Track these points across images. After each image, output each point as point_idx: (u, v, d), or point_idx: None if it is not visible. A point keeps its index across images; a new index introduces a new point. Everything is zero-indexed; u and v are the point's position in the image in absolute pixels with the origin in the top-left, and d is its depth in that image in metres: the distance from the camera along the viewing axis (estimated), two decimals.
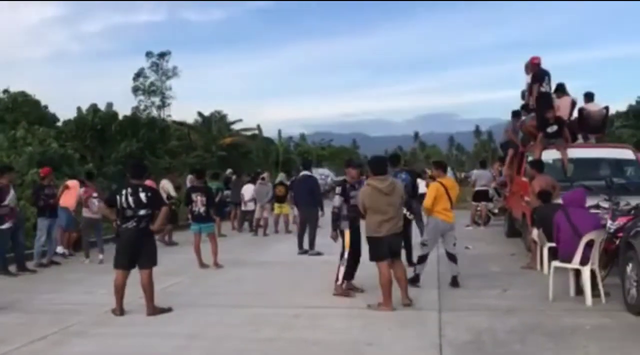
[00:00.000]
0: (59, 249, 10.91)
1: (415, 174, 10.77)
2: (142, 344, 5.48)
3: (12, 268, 9.46)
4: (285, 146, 45.32)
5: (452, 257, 7.77)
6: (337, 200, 7.38)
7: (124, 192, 6.47)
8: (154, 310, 6.51)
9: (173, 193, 13.65)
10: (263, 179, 15.26)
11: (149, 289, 6.53)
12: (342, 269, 7.18)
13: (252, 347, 5.24)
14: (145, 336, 5.75)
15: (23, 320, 6.43)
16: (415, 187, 9.38)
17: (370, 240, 6.58)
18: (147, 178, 6.97)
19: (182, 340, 5.51)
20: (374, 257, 6.55)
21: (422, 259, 7.82)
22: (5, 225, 9.20)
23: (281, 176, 15.46)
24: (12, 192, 9.47)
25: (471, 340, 5.28)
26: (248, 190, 15.14)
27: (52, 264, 10.27)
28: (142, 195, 6.43)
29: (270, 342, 5.41)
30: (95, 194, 10.65)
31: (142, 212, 6.43)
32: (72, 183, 11.30)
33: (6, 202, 9.24)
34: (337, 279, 7.20)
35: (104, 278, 9.00)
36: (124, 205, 6.43)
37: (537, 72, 10.85)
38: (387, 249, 6.48)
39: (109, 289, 8.08)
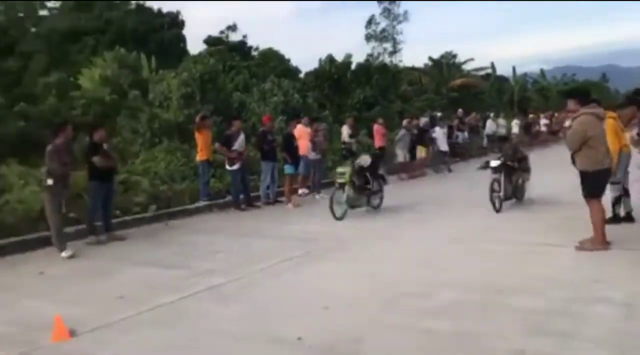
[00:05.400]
0: (301, 191, 12.11)
1: None
2: (373, 269, 6.12)
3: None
4: (520, 83, 42.71)
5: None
6: None
7: None
8: None
9: (347, 139, 14.19)
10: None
11: None
12: None
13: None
14: (365, 262, 6.44)
15: (275, 244, 7.59)
16: None
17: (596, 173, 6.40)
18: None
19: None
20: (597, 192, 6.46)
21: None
22: (235, 167, 10.58)
23: None
24: (240, 138, 10.80)
25: None
26: None
27: (276, 202, 11.15)
28: None
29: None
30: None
31: None
32: (300, 130, 12.05)
33: (235, 147, 10.64)
34: None
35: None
36: None
37: None
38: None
39: (344, 222, 9.00)
